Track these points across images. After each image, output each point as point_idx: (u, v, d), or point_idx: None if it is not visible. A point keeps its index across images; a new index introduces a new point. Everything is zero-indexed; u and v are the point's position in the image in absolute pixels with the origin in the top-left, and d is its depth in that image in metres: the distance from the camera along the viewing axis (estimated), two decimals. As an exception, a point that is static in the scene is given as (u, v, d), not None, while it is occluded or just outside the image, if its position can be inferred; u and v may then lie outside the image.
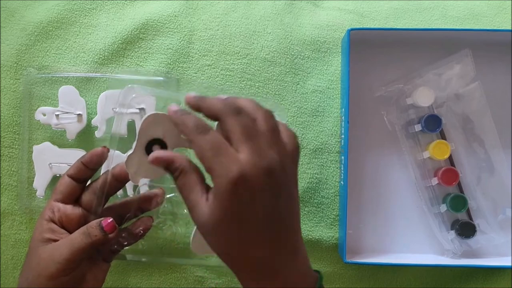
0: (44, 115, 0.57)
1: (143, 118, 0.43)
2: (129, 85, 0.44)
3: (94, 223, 0.45)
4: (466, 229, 0.58)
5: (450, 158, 0.60)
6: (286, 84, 0.61)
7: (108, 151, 0.47)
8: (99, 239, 0.44)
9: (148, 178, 0.47)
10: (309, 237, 0.59)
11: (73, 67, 0.60)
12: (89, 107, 0.58)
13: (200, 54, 0.60)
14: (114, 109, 0.56)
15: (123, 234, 0.49)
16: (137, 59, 0.60)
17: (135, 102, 0.57)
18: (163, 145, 0.44)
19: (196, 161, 0.38)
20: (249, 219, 0.37)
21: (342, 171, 0.58)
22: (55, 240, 0.45)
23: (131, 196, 0.53)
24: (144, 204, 0.50)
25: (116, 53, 0.60)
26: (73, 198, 0.47)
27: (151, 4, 0.61)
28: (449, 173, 0.59)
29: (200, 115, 0.40)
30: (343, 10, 0.63)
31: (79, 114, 0.57)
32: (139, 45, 0.60)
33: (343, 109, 0.58)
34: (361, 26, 0.62)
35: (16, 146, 0.59)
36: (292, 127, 0.60)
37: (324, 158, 0.60)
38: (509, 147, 0.60)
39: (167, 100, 0.59)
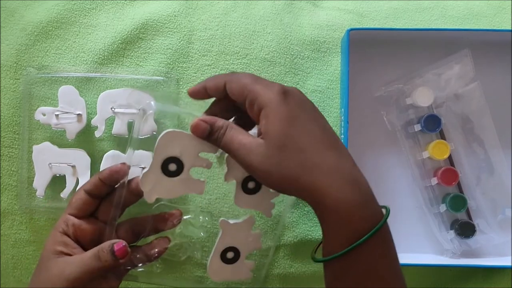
0: (44, 115, 0.57)
1: (160, 136, 0.42)
2: (148, 101, 0.44)
3: (106, 246, 0.44)
4: (465, 229, 0.58)
5: (450, 158, 0.60)
6: (285, 84, 0.60)
7: (129, 168, 0.46)
8: (110, 264, 0.43)
9: (163, 197, 0.45)
10: (309, 237, 0.59)
11: (73, 67, 0.60)
12: (88, 107, 0.58)
13: (199, 54, 0.60)
14: (113, 109, 0.57)
15: (138, 255, 0.48)
16: (136, 59, 0.60)
17: (135, 103, 0.57)
18: (179, 164, 0.43)
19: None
20: (307, 125, 0.38)
21: (342, 171, 0.58)
22: (68, 254, 0.45)
23: (148, 214, 0.51)
24: (159, 223, 0.49)
25: (115, 53, 0.60)
26: (88, 213, 0.47)
27: (151, 4, 0.61)
28: (448, 173, 0.59)
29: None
30: (342, 10, 0.63)
31: (78, 114, 0.57)
32: (139, 45, 0.60)
33: (342, 109, 0.58)
34: (360, 26, 0.62)
35: (16, 146, 0.59)
36: (292, 127, 0.60)
37: (323, 158, 0.60)
38: (509, 147, 0.60)
39: (167, 100, 0.59)
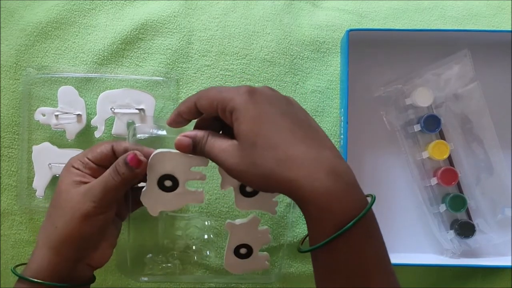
0: (44, 115, 0.57)
1: (150, 157, 0.44)
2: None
3: (121, 159, 0.44)
4: (465, 229, 0.59)
5: (449, 158, 0.60)
6: (285, 85, 0.61)
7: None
8: (127, 176, 0.44)
9: (166, 210, 0.47)
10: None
11: (73, 67, 0.60)
12: (88, 107, 0.58)
13: (199, 54, 0.60)
14: (113, 109, 0.57)
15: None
16: (136, 59, 0.60)
17: (134, 103, 0.57)
18: (174, 180, 0.45)
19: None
20: (277, 121, 0.39)
21: (342, 171, 0.58)
22: (86, 182, 0.45)
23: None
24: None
25: (115, 54, 0.60)
26: (105, 165, 0.47)
27: (151, 5, 0.61)
28: (448, 173, 0.59)
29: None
30: (342, 10, 0.63)
31: (78, 114, 0.57)
32: (139, 46, 0.60)
33: (342, 109, 0.58)
34: (360, 27, 0.62)
35: (16, 146, 0.59)
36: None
37: (323, 158, 0.60)
38: (508, 147, 0.60)
39: (166, 100, 0.59)
